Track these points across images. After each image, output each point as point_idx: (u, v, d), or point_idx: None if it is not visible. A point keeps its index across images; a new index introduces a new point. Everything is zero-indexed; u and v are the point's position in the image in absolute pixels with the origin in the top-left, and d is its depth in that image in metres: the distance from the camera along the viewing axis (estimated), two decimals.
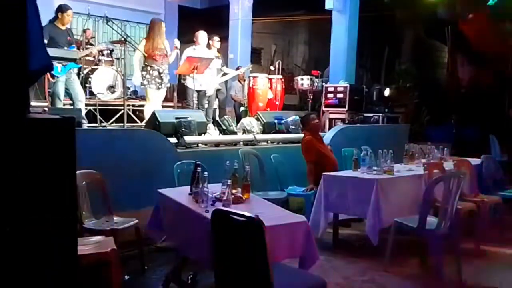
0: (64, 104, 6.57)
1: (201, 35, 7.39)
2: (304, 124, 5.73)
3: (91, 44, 8.58)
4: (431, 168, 4.82)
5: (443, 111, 11.21)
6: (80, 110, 6.20)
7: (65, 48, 6.27)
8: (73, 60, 6.35)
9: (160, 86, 6.69)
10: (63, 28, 6.31)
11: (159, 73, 6.62)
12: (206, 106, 7.63)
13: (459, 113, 10.89)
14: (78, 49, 7.19)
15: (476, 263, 4.39)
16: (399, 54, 12.62)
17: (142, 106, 8.46)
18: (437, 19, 8.26)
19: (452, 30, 11.46)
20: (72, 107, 6.51)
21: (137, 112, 8.31)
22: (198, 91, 7.24)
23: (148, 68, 6.59)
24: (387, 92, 9.46)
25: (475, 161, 5.74)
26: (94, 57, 8.44)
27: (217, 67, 7.86)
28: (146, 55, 6.55)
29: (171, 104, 8.15)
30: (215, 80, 7.85)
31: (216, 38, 7.92)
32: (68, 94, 6.48)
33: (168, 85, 6.96)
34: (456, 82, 12.18)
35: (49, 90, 6.42)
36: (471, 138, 9.15)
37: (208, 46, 7.72)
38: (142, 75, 6.63)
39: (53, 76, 6.13)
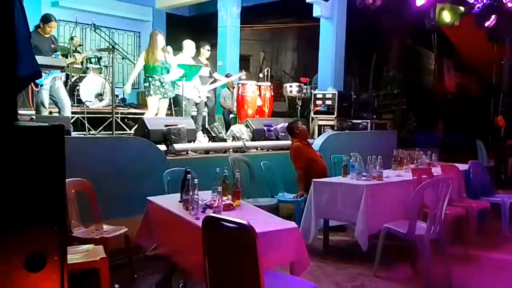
0: (50, 112, 6.52)
1: (188, 44, 7.39)
2: (291, 132, 5.73)
3: (78, 52, 8.53)
4: (419, 174, 4.86)
5: (430, 117, 11.33)
6: (68, 118, 6.16)
7: (52, 56, 6.23)
8: (61, 68, 6.31)
9: (165, 95, 6.76)
10: (47, 36, 6.28)
11: (161, 83, 6.68)
12: (195, 113, 7.62)
13: (446, 119, 11.01)
14: (65, 56, 7.15)
15: (464, 267, 4.42)
16: (387, 61, 12.73)
17: (131, 114, 8.45)
18: (423, 27, 8.37)
19: (438, 37, 11.61)
20: (59, 115, 6.46)
21: (126, 120, 8.27)
22: (187, 98, 7.26)
23: (150, 79, 6.67)
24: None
25: (462, 166, 5.80)
26: (81, 64, 8.39)
27: (205, 74, 7.86)
28: (147, 65, 6.64)
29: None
30: (204, 87, 7.84)
31: (207, 47, 7.93)
32: (54, 102, 6.44)
33: (172, 95, 6.99)
34: (443, 88, 12.33)
35: (35, 97, 6.37)
36: (458, 143, 9.24)
37: (198, 53, 7.72)
38: (144, 86, 6.76)
39: (36, 85, 6.08)
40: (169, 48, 7.09)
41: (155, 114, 6.79)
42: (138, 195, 3.99)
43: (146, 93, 6.76)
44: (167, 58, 6.82)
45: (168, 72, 6.80)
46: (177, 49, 7.43)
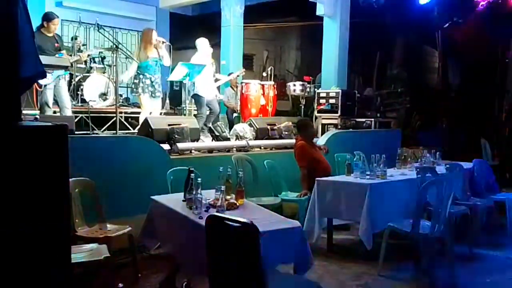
0: (54, 112, 6.53)
1: (202, 43, 7.40)
2: (302, 128, 5.70)
3: (81, 52, 8.54)
4: (423, 172, 4.84)
5: (435, 115, 11.29)
6: (72, 117, 6.17)
7: (56, 55, 6.24)
8: (65, 68, 6.31)
9: (153, 95, 6.64)
10: (50, 35, 6.27)
11: (151, 82, 6.60)
12: (207, 112, 7.56)
13: (450, 117, 10.96)
14: (69, 55, 7.15)
15: (468, 266, 4.41)
16: (391, 59, 12.69)
17: (135, 113, 8.45)
18: (427, 24, 8.34)
19: (442, 35, 11.55)
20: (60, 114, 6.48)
21: (130, 119, 8.27)
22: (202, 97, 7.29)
23: (141, 76, 6.58)
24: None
25: (467, 164, 5.77)
26: (85, 63, 8.40)
27: (210, 74, 7.86)
28: (139, 63, 6.58)
29: (163, 110, 8.13)
30: (210, 86, 7.84)
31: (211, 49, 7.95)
32: (55, 101, 6.44)
33: (162, 95, 6.96)
34: (447, 86, 12.27)
35: (39, 97, 6.39)
36: (463, 142, 9.21)
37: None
38: (135, 83, 6.64)
39: (40, 86, 6.08)
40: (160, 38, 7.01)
41: (150, 112, 6.74)
42: (141, 194, 3.99)
43: (139, 91, 6.58)
44: (161, 52, 6.66)
45: (161, 67, 6.75)
46: (180, 48, 7.42)
